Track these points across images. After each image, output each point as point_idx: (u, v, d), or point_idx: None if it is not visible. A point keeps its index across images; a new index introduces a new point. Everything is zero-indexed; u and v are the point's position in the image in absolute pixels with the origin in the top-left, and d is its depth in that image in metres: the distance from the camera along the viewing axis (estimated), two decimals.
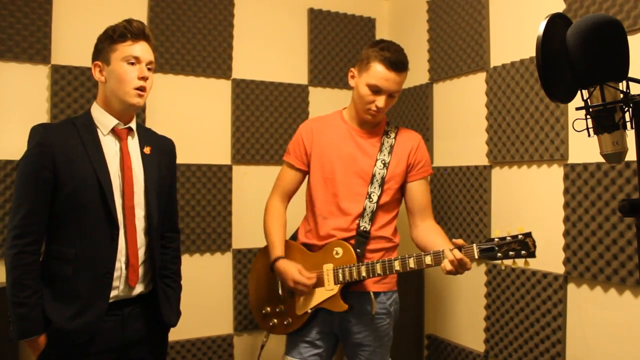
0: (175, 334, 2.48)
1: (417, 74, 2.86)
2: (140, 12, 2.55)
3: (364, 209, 1.98)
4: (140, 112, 2.51)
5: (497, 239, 1.71)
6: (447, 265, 1.72)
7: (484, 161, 2.43)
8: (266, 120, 2.82)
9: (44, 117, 2.34)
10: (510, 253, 1.69)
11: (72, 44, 2.38)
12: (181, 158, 2.60)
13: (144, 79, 1.67)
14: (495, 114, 2.35)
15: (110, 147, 1.70)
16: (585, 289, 1.99)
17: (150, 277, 1.77)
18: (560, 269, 2.06)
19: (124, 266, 1.67)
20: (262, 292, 2.14)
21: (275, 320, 2.06)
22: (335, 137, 2.05)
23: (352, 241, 1.97)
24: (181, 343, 2.58)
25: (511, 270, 2.24)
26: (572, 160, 2.03)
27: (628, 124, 1.07)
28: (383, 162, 2.00)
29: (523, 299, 2.19)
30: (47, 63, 2.35)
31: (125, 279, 1.68)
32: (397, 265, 1.83)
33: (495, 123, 2.35)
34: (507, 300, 2.26)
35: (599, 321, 1.94)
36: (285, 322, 2.03)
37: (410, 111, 2.91)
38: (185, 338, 2.60)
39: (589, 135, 1.12)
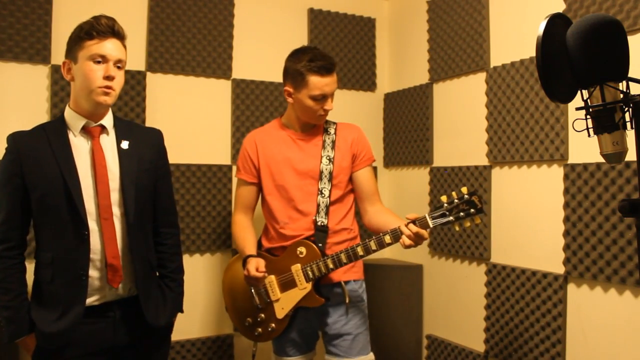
0: (175, 334, 2.47)
1: (417, 74, 2.86)
2: (140, 12, 2.55)
3: (318, 205, 2.04)
4: (140, 112, 2.51)
5: (445, 204, 1.81)
6: (405, 240, 1.81)
7: (484, 161, 2.43)
8: (266, 120, 2.81)
9: (44, 117, 2.33)
10: (461, 214, 1.78)
11: None
12: (181, 158, 2.61)
13: (110, 78, 1.63)
14: (495, 114, 2.35)
15: (81, 147, 1.68)
16: (585, 289, 1.99)
17: (141, 276, 1.72)
18: (560, 269, 2.06)
19: (103, 266, 1.65)
20: (239, 305, 2.16)
21: (260, 329, 2.09)
22: (278, 145, 2.12)
23: (313, 238, 2.03)
24: (181, 343, 2.58)
25: (511, 270, 2.24)
26: (572, 160, 2.04)
27: (628, 124, 1.07)
28: (328, 157, 2.08)
29: (523, 299, 2.19)
30: (47, 63, 2.35)
31: (106, 280, 1.65)
32: (360, 251, 1.91)
33: (495, 123, 2.35)
34: (507, 300, 2.26)
35: (599, 321, 1.94)
36: (269, 329, 2.07)
37: (410, 111, 2.91)
38: (185, 338, 2.60)
39: (589, 135, 1.12)
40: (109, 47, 1.64)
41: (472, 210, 1.77)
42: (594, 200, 1.93)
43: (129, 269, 1.71)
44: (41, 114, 2.34)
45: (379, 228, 2.00)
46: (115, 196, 1.68)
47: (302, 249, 2.01)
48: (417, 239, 1.80)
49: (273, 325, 2.06)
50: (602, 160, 1.14)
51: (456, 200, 1.79)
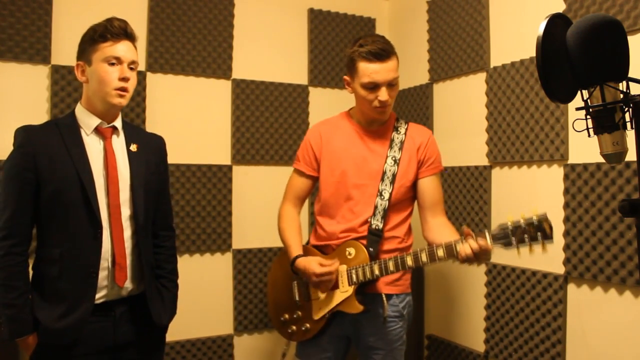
0: (175, 334, 2.49)
1: (417, 74, 2.86)
2: (140, 12, 2.55)
3: (376, 207, 1.94)
4: (140, 112, 2.51)
5: (510, 224, 1.65)
6: (466, 250, 1.67)
7: (484, 161, 2.43)
8: (266, 120, 2.82)
9: (44, 117, 2.33)
10: (525, 237, 1.61)
11: (72, 44, 2.34)
12: (181, 158, 2.61)
13: (125, 79, 1.66)
14: (495, 114, 2.35)
15: (93, 147, 1.69)
16: (585, 289, 1.99)
17: (141, 276, 1.74)
18: (560, 269, 2.06)
19: (110, 265, 1.66)
20: (279, 300, 2.11)
21: (294, 327, 2.02)
22: (344, 139, 2.03)
23: (364, 241, 1.93)
24: (181, 343, 2.58)
25: (511, 270, 2.24)
26: (572, 160, 2.03)
27: (628, 124, 1.07)
28: (393, 158, 1.97)
29: (523, 299, 2.19)
30: (47, 63, 2.35)
31: (112, 279, 1.67)
32: (409, 261, 1.80)
33: (495, 123, 2.35)
34: (507, 300, 2.26)
35: (599, 321, 1.94)
36: (303, 328, 2.00)
37: (410, 111, 2.91)
38: (185, 338, 2.60)
39: (589, 136, 1.12)
40: (123, 49, 1.67)
41: (539, 234, 1.60)
42: (594, 200, 1.93)
43: (134, 269, 1.72)
44: (41, 114, 2.34)
45: (434, 242, 1.87)
46: (124, 197, 1.71)
47: (351, 250, 1.92)
48: (474, 257, 1.68)
49: (308, 325, 1.98)
50: (602, 160, 1.13)
51: (522, 222, 1.62)
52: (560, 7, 2.04)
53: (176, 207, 2.56)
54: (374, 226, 1.94)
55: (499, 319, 2.31)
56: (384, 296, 1.93)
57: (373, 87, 1.88)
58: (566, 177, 2.03)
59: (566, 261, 2.03)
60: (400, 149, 1.98)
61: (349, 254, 1.93)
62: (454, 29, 2.62)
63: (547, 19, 1.09)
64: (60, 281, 1.62)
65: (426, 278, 2.80)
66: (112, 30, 1.65)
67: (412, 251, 1.82)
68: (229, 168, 2.73)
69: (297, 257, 1.96)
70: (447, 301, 2.66)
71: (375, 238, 1.93)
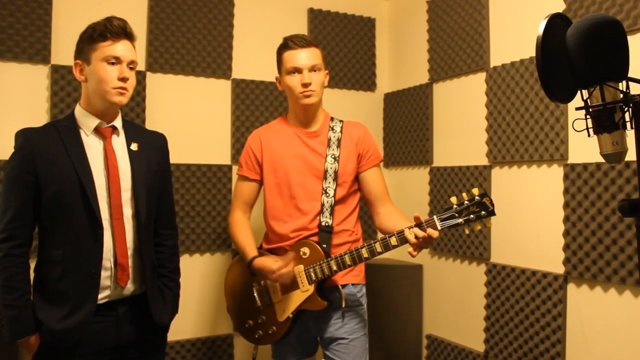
0: (175, 334, 2.49)
1: (417, 74, 2.86)
2: (140, 12, 2.55)
3: (322, 205, 2.00)
4: (140, 112, 2.51)
5: (455, 206, 1.73)
6: (411, 251, 1.76)
7: (484, 161, 2.43)
8: (266, 120, 2.81)
9: (44, 117, 2.34)
10: (471, 217, 1.71)
11: (72, 44, 2.33)
12: (181, 158, 2.61)
13: (124, 79, 1.66)
14: (495, 114, 2.35)
15: (93, 147, 1.69)
16: (585, 289, 1.99)
17: (144, 276, 1.74)
18: (560, 269, 2.06)
19: (112, 266, 1.66)
20: (240, 307, 2.14)
21: (260, 332, 2.06)
22: (283, 142, 2.08)
23: (316, 238, 1.99)
24: (181, 343, 2.58)
25: (511, 270, 2.24)
26: (572, 160, 2.04)
27: (628, 124, 1.07)
28: (333, 156, 2.03)
29: (523, 299, 2.19)
30: (47, 63, 2.35)
31: (114, 279, 1.67)
32: (365, 253, 1.85)
33: (495, 123, 2.35)
34: (507, 300, 2.26)
35: (599, 321, 1.94)
36: (270, 332, 2.03)
37: (410, 111, 2.91)
38: (185, 338, 2.60)
39: (589, 135, 1.12)
40: (123, 48, 1.67)
41: (483, 212, 1.70)
42: (593, 200, 1.93)
43: (136, 269, 1.72)
44: (41, 114, 2.34)
45: (389, 230, 1.94)
46: (126, 197, 1.71)
47: (305, 250, 1.96)
48: (423, 243, 1.75)
49: (274, 327, 2.02)
50: (602, 160, 1.14)
51: (466, 202, 1.72)
52: (560, 7, 2.04)
53: (176, 207, 2.55)
54: (323, 223, 1.99)
55: (498, 319, 2.31)
56: (340, 287, 2.00)
57: (295, 71, 1.99)
58: (566, 177, 2.03)
59: (566, 261, 2.03)
60: (338, 146, 2.05)
61: (304, 253, 1.96)
62: (454, 29, 2.62)
63: (547, 18, 1.09)
64: (63, 282, 1.62)
65: (426, 278, 2.80)
66: (111, 29, 1.64)
67: (365, 243, 1.87)
68: (229, 168, 2.73)
69: (253, 258, 1.99)
70: (447, 301, 2.66)
71: (326, 235, 1.99)
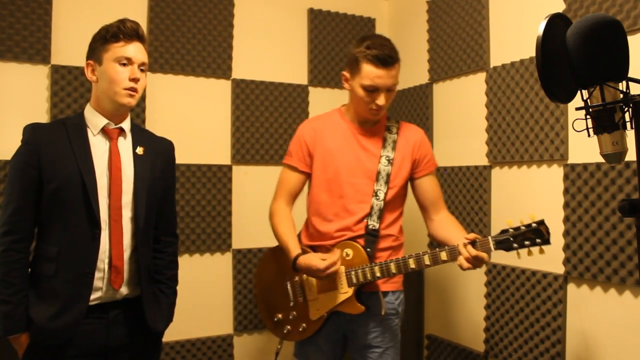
0: (175, 334, 2.49)
1: (417, 74, 2.86)
2: (140, 12, 2.55)
3: (372, 207, 1.94)
4: (140, 112, 2.51)
5: (511, 230, 1.70)
6: (463, 263, 1.71)
7: (484, 161, 2.43)
8: (266, 120, 2.82)
9: (44, 117, 2.34)
10: (526, 242, 1.69)
11: (72, 44, 2.38)
12: (181, 158, 2.60)
13: (135, 80, 1.67)
14: (495, 114, 2.35)
15: (99, 147, 1.69)
16: (585, 289, 1.99)
17: (138, 280, 1.73)
18: (560, 269, 2.06)
19: (106, 267, 1.65)
20: (271, 300, 2.09)
21: (289, 327, 2.01)
22: (337, 137, 2.01)
23: (361, 241, 1.93)
24: (181, 343, 2.58)
25: (511, 270, 2.24)
26: (572, 160, 2.04)
27: (628, 124, 1.07)
28: (387, 158, 1.97)
29: (523, 299, 2.19)
30: (47, 63, 2.35)
31: (108, 281, 1.66)
32: (412, 263, 1.81)
33: (495, 123, 2.35)
34: (507, 300, 2.26)
35: (599, 321, 1.94)
36: (300, 329, 1.99)
37: (410, 111, 2.91)
38: (185, 338, 2.60)
39: (589, 135, 1.12)
40: (135, 50, 1.67)
41: (538, 240, 1.67)
42: (593, 200, 1.93)
43: (131, 272, 1.71)
44: (41, 114, 2.34)
45: (442, 240, 1.90)
46: (127, 199, 1.70)
47: (349, 251, 1.90)
48: (475, 262, 1.70)
49: (304, 325, 1.97)
50: (602, 160, 1.14)
51: (523, 227, 1.69)
52: (560, 7, 2.04)
53: (176, 207, 2.56)
54: (370, 226, 1.93)
55: (498, 319, 2.31)
56: (380, 294, 1.93)
57: (373, 90, 1.89)
58: (566, 177, 2.03)
59: (566, 261, 2.03)
60: (394, 148, 1.98)
61: (347, 254, 1.92)
62: (453, 29, 2.62)
63: (547, 19, 1.09)
64: (56, 280, 1.62)
65: (426, 278, 2.80)
66: (124, 30, 1.65)
67: (414, 254, 1.82)
68: (229, 168, 2.73)
69: (298, 255, 1.93)
70: (447, 301, 2.66)
71: (372, 238, 1.93)
